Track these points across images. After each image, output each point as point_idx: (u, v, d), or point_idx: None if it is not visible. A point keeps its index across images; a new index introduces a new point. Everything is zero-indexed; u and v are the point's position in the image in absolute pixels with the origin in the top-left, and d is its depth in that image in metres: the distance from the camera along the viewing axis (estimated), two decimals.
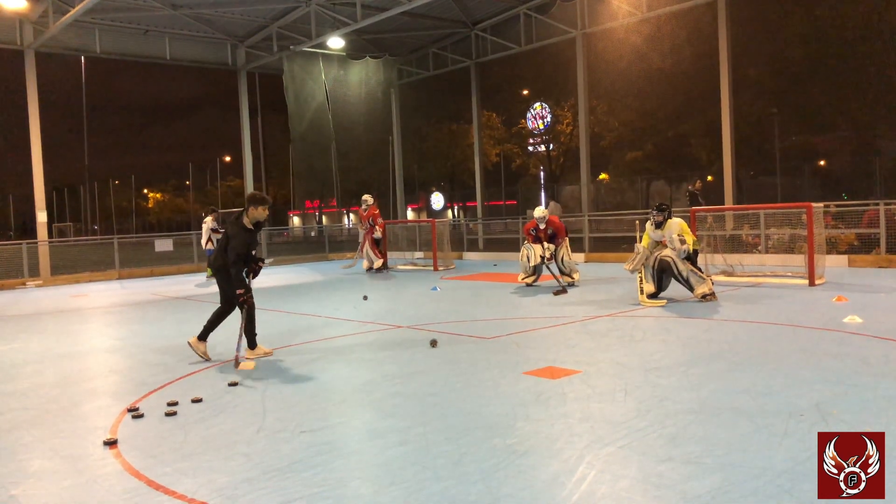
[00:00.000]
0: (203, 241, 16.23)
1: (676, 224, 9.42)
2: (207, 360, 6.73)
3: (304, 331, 8.45)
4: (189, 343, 6.84)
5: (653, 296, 9.50)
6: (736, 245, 13.61)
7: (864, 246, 13.55)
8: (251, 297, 6.60)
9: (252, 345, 6.76)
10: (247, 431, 4.46)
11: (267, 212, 6.72)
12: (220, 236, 16.27)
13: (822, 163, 26.69)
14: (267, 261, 20.75)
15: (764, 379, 5.17)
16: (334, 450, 4.08)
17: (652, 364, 5.80)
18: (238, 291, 6.48)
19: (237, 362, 6.38)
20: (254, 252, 6.70)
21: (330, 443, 4.20)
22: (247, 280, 6.65)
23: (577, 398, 4.86)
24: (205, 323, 6.85)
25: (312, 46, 20.94)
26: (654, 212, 9.56)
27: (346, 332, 8.18)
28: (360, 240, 16.87)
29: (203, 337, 6.83)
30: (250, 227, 6.61)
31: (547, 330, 7.75)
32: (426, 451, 3.95)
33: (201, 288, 14.72)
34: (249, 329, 6.70)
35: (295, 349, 7.21)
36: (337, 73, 23.55)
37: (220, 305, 6.87)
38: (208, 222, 15.99)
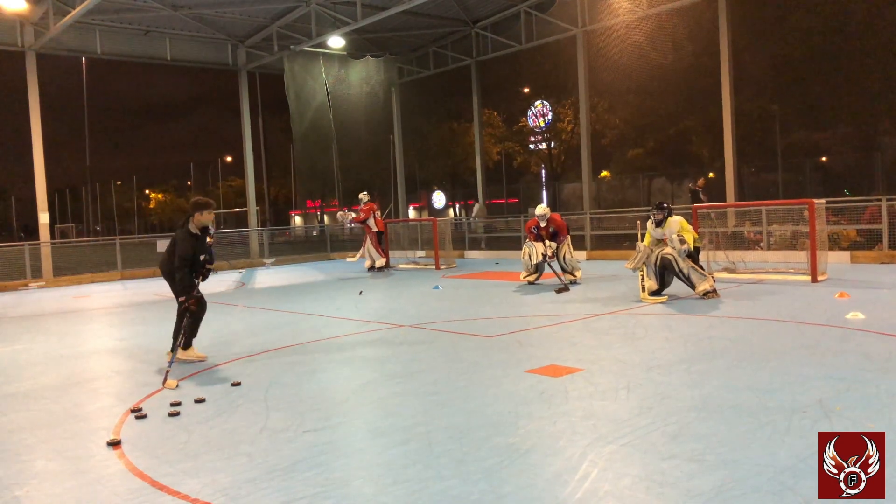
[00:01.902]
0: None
1: (676, 222, 9.43)
2: (203, 359, 6.78)
3: (306, 330, 8.47)
4: (182, 357, 6.77)
5: (655, 293, 9.53)
6: (738, 242, 13.59)
7: (867, 242, 13.53)
8: (194, 303, 6.55)
9: (187, 345, 6.76)
10: (249, 431, 4.47)
11: (212, 216, 6.69)
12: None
13: (823, 159, 26.62)
14: (268, 261, 21.01)
15: (766, 376, 5.17)
16: (337, 449, 4.09)
17: (654, 361, 5.80)
18: (180, 299, 6.50)
19: (168, 369, 6.18)
20: (202, 257, 6.63)
21: (332, 442, 4.21)
22: (196, 284, 6.62)
23: (579, 396, 4.86)
24: (184, 337, 6.70)
25: (313, 46, 20.95)
26: (654, 210, 9.58)
27: (348, 332, 8.19)
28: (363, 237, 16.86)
29: (186, 346, 6.78)
30: (196, 232, 6.59)
31: (549, 328, 7.75)
32: (429, 450, 3.95)
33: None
34: (190, 329, 6.68)
35: (297, 349, 7.23)
36: (338, 73, 23.54)
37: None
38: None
